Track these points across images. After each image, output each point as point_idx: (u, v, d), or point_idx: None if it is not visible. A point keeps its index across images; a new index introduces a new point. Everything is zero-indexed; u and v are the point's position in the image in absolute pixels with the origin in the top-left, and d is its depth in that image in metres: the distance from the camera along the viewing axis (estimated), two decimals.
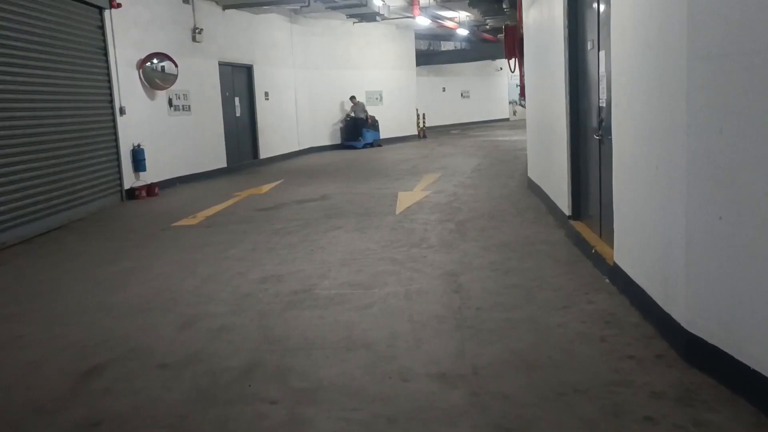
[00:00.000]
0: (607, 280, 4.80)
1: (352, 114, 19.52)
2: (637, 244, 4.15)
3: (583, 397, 3.05)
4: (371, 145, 19.64)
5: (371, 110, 20.59)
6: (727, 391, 2.99)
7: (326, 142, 19.39)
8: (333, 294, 4.89)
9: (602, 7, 5.23)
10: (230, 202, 9.98)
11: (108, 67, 10.33)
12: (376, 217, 8.00)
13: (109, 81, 10.37)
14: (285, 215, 8.50)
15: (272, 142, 16.61)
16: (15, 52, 7.83)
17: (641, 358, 3.44)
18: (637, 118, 4.07)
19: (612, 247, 4.73)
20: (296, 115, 18.01)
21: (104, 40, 10.24)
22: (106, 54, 10.28)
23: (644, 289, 3.99)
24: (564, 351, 3.61)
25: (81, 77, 9.51)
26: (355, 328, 4.15)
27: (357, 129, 19.45)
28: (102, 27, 10.20)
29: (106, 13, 10.26)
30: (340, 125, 19.62)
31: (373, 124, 19.97)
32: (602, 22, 5.23)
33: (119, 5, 10.47)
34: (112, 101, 10.41)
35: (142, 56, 11.29)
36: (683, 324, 3.35)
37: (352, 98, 19.52)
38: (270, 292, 5.01)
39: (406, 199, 9.30)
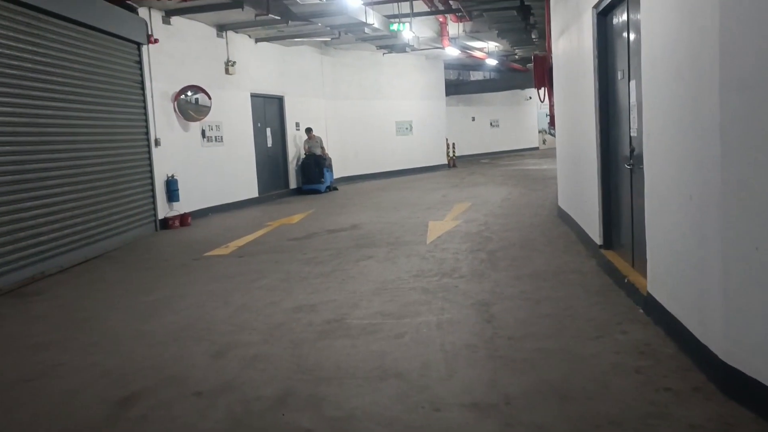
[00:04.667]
0: (641, 311, 4.74)
1: (307, 150, 16.50)
2: (672, 274, 4.11)
3: (619, 429, 3.01)
4: (329, 188, 16.47)
5: (401, 141, 20.55)
6: (767, 425, 2.93)
7: (360, 171, 19.12)
8: (365, 323, 4.91)
9: (632, 37, 5.25)
10: (262, 231, 10.09)
11: (144, 100, 10.63)
12: (406, 247, 8.02)
13: (146, 114, 10.66)
14: (316, 245, 8.57)
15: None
16: (57, 87, 8.11)
17: (678, 390, 3.38)
18: (670, 147, 4.06)
19: (645, 276, 4.69)
20: (328, 145, 18.11)
21: (141, 74, 10.57)
22: (143, 87, 10.59)
23: (680, 320, 3.94)
24: (598, 382, 3.57)
25: (119, 110, 9.79)
26: (387, 357, 4.15)
27: (319, 168, 16.23)
28: (140, 62, 10.53)
29: (144, 48, 10.59)
30: (296, 166, 16.58)
31: (329, 164, 16.78)
32: (632, 52, 5.25)
33: (156, 41, 10.81)
34: (147, 133, 10.69)
35: (177, 89, 11.60)
36: (720, 356, 3.30)
37: (308, 131, 16.47)
38: (302, 322, 5.05)
39: (436, 229, 9.31)
